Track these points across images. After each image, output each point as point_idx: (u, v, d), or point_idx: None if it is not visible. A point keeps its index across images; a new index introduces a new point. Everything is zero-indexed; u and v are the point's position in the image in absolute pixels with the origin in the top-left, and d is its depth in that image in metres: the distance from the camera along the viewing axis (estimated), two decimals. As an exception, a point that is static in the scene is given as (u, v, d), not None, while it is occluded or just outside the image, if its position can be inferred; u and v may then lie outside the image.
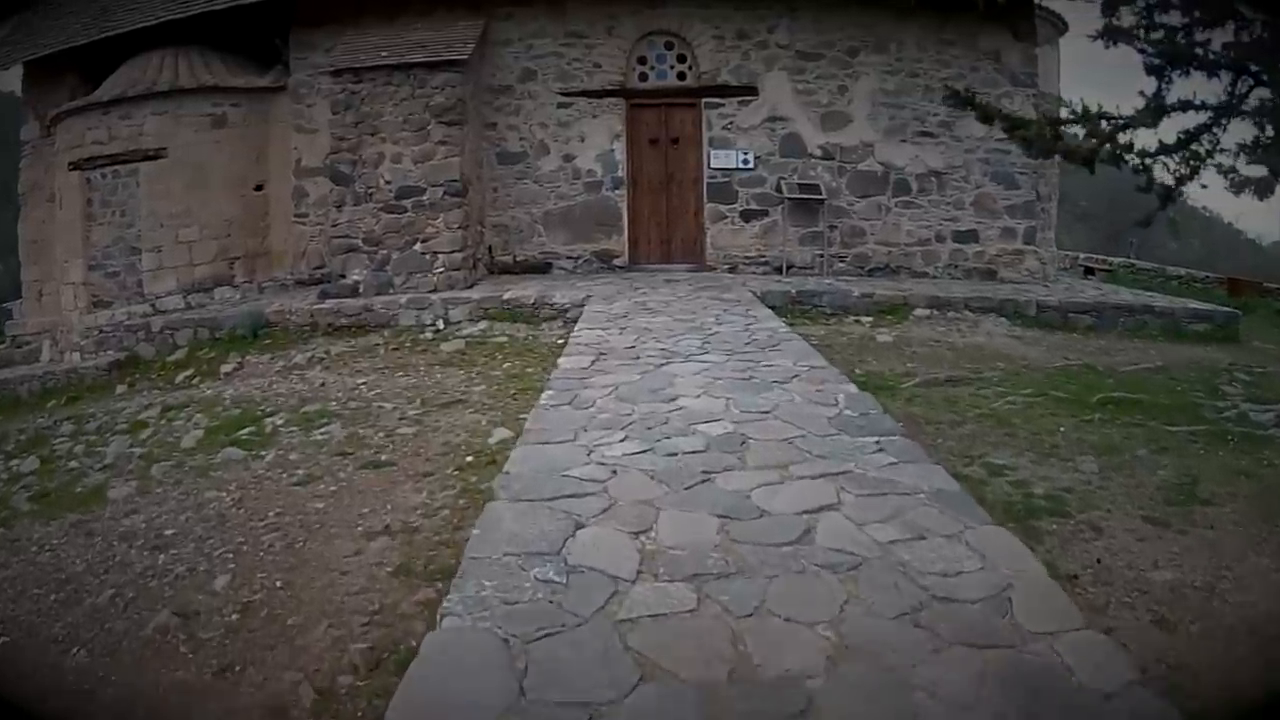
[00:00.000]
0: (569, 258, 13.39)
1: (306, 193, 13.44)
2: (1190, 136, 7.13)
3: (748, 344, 7.45)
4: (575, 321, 9.56)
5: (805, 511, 3.58)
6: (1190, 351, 10.14)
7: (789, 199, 12.97)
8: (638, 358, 6.91)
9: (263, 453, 6.22)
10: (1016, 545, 3.39)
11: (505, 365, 8.42)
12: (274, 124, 13.59)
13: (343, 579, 4.11)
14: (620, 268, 13.34)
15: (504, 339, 9.64)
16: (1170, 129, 8.22)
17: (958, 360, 8.63)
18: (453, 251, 11.62)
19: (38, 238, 15.11)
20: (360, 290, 11.53)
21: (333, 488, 5.35)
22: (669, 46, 13.34)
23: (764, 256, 13.25)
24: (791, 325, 9.24)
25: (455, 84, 11.67)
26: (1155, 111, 6.76)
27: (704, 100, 13.29)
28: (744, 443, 4.55)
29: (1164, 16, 7.30)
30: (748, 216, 13.31)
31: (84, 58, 14.04)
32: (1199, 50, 6.79)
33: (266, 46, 13.69)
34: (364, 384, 8.09)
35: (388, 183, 11.66)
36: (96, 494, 5.88)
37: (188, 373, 10.54)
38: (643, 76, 13.41)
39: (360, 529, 4.65)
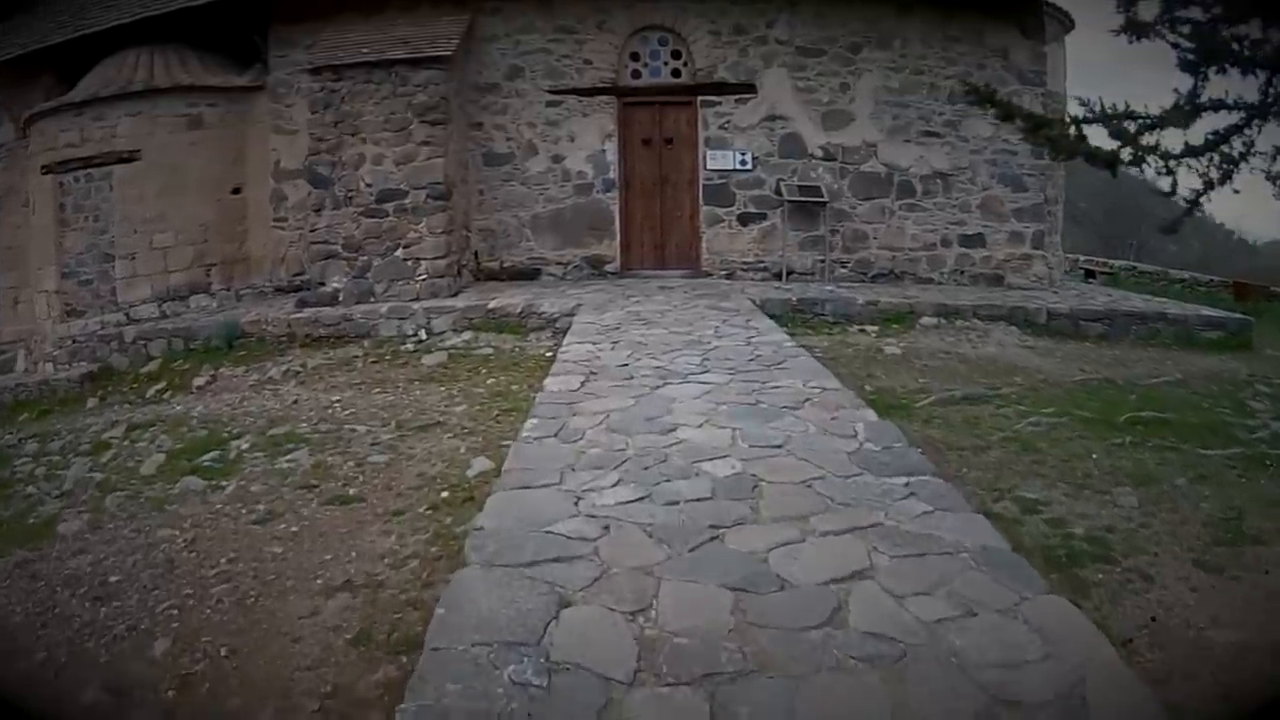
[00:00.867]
0: (558, 263, 12.87)
1: (286, 196, 12.89)
2: (1220, 138, 6.67)
3: (751, 361, 6.90)
4: (564, 332, 9.05)
5: (833, 581, 3.03)
6: (1205, 361, 9.77)
7: (789, 202, 12.46)
8: (631, 378, 6.35)
9: (224, 483, 5.76)
10: (1079, 620, 2.88)
11: (489, 381, 7.91)
12: (252, 125, 13.09)
13: (295, 647, 3.60)
14: (612, 274, 12.82)
15: (489, 351, 9.14)
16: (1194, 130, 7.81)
17: (971, 374, 8.15)
18: (436, 258, 11.09)
19: (13, 244, 14.60)
20: (340, 299, 11.00)
21: (294, 528, 4.86)
22: (663, 42, 12.82)
23: (762, 262, 12.74)
24: (793, 335, 8.80)
25: (439, 82, 11.14)
26: (1190, 111, 6.27)
27: (700, 98, 12.77)
28: (755, 487, 3.99)
29: (1184, 11, 6.87)
30: (745, 220, 12.79)
31: (61, 58, 13.58)
32: (1236, 46, 6.29)
33: (246, 44, 13.18)
34: (338, 402, 7.59)
35: (368, 185, 11.13)
36: (48, 526, 5.48)
37: (159, 386, 10.19)
38: (635, 74, 12.89)
39: (319, 581, 4.15)
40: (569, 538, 3.41)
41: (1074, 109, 6.74)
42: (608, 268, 12.87)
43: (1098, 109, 6.91)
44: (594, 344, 7.76)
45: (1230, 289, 19.62)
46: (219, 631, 3.85)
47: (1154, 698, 2.60)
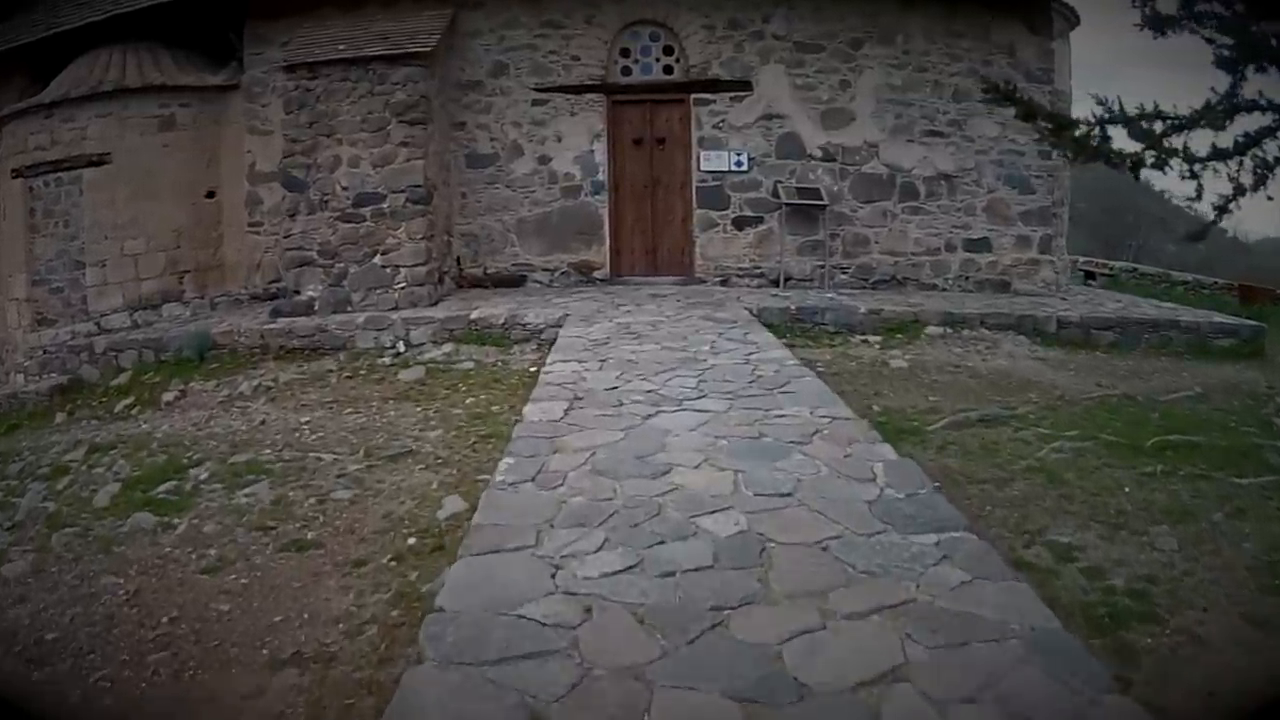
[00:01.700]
0: (545, 270, 12.34)
1: (261, 200, 12.34)
2: (1252, 140, 6.22)
3: (751, 383, 6.37)
4: (550, 345, 8.56)
5: (861, 684, 2.52)
6: (1221, 371, 9.38)
7: (786, 204, 11.95)
8: (620, 404, 5.82)
9: (176, 520, 5.32)
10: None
11: (468, 400, 7.41)
12: (227, 125, 12.54)
13: (231, 739, 3.11)
14: (601, 281, 12.30)
15: (469, 365, 8.64)
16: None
17: (984, 391, 7.68)
18: (416, 265, 10.56)
19: (-14, 251, 14.05)
20: (315, 308, 10.47)
21: (244, 579, 4.39)
22: (654, 38, 12.28)
23: (759, 268, 12.23)
24: (794, 348, 8.34)
25: (418, 79, 10.61)
26: (1225, 111, 5.80)
27: (693, 96, 12.24)
28: (763, 550, 3.47)
29: (1205, 5, 6.44)
30: (741, 224, 12.27)
31: (36, 57, 13.08)
32: (1275, 43, 5.84)
33: (222, 42, 12.64)
34: (307, 424, 7.09)
35: (344, 189, 10.59)
36: (-3, 561, 5.04)
37: (128, 401, 9.70)
38: (626, 70, 12.37)
39: (266, 652, 3.68)
40: (543, 624, 2.86)
41: (1094, 109, 6.28)
42: (596, 274, 12.35)
43: (1117, 109, 6.51)
44: (580, 362, 7.23)
45: (1235, 291, 19.18)
46: (151, 715, 3.39)
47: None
